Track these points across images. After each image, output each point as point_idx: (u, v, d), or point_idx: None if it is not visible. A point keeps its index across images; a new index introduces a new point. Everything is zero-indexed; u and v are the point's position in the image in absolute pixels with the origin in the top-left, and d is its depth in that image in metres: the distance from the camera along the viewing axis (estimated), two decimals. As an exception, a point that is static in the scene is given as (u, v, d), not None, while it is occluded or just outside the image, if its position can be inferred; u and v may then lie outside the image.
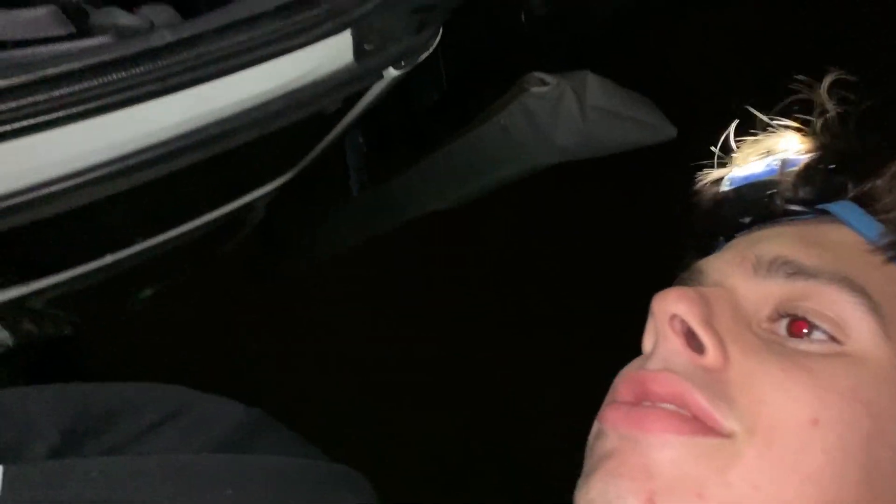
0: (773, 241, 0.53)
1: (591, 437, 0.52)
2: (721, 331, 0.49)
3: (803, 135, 0.57)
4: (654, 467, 0.46)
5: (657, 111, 1.13)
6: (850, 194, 0.54)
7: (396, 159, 1.48)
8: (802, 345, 0.48)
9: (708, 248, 0.60)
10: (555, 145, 1.12)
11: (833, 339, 0.47)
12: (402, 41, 1.00)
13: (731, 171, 0.59)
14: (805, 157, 0.56)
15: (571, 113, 1.09)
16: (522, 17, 1.13)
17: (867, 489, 0.45)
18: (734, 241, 0.58)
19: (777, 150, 0.58)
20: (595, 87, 1.10)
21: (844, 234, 0.53)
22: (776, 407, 0.46)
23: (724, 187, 0.59)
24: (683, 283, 0.55)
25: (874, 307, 0.48)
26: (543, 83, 1.10)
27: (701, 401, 0.47)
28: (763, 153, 0.59)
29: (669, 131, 1.13)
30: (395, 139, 1.51)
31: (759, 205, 0.57)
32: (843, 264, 0.50)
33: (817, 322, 0.48)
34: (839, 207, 0.54)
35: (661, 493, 0.45)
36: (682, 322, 0.49)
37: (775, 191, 0.56)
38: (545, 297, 1.73)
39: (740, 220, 0.58)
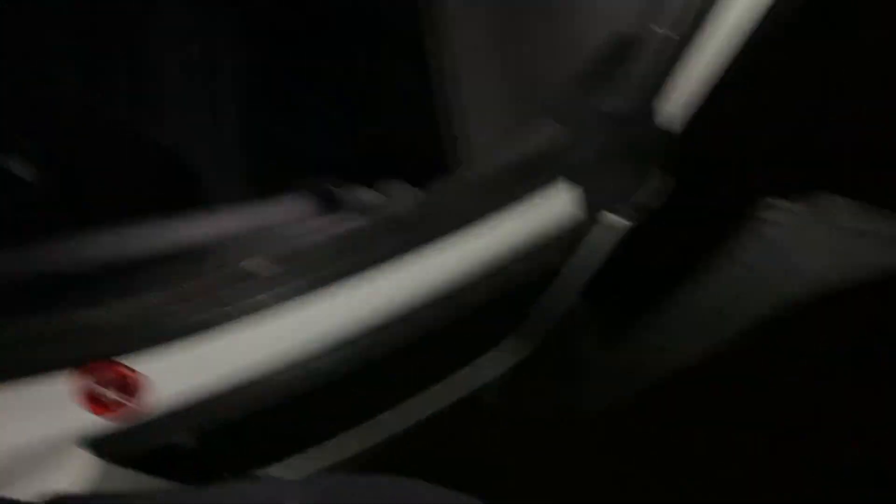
0: None
1: None
2: None
3: None
4: None
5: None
6: None
7: (628, 316, 1.43)
8: None
9: None
10: (804, 274, 1.04)
11: None
12: (628, 189, 1.01)
13: None
14: None
15: (817, 237, 1.01)
16: (751, 146, 1.10)
17: None
18: None
19: None
20: (839, 207, 1.02)
21: None
22: None
23: None
24: None
25: None
26: (780, 210, 1.04)
27: None
28: None
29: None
30: (626, 294, 1.48)
31: None
32: None
33: None
34: None
35: None
36: None
37: None
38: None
39: None
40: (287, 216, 0.91)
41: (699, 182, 1.01)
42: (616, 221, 1.04)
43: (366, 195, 0.92)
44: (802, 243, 1.03)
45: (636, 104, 0.90)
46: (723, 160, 1.09)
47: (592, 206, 1.00)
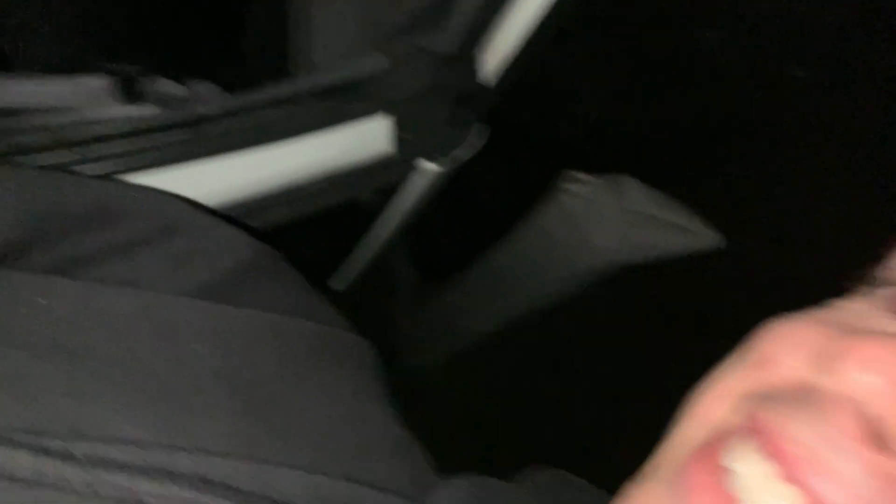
0: None
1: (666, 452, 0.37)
2: None
3: None
4: None
5: (698, 219, 1.10)
6: None
7: (439, 274, 1.46)
8: None
9: None
10: (594, 247, 1.10)
11: None
12: (443, 135, 1.02)
13: None
14: None
15: (610, 214, 1.07)
16: (567, 121, 1.15)
17: None
18: None
19: None
20: (635, 190, 1.08)
21: None
22: None
23: None
24: (884, 302, 0.36)
25: None
26: (580, 182, 1.10)
27: None
28: None
29: (714, 239, 1.09)
30: (445, 258, 1.50)
31: None
32: None
33: None
34: None
35: None
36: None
37: None
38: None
39: None
40: (85, 100, 0.86)
41: (508, 140, 1.04)
42: (430, 167, 1.05)
43: (172, 89, 0.88)
44: (596, 218, 1.09)
45: (458, 47, 0.92)
46: (536, 132, 1.13)
47: (408, 145, 1.01)
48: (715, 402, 0.35)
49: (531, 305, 1.33)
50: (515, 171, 1.23)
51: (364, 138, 0.97)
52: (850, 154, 1.04)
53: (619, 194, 1.08)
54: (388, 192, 1.11)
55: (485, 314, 1.43)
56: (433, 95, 0.96)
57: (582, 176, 1.11)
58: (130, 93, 0.87)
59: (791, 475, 0.29)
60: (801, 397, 0.31)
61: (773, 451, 0.30)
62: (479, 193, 1.27)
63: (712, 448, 0.33)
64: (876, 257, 0.38)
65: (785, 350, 0.34)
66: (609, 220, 1.07)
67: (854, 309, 0.36)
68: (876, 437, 0.28)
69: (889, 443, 0.28)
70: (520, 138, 1.14)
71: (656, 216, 1.08)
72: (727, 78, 1.01)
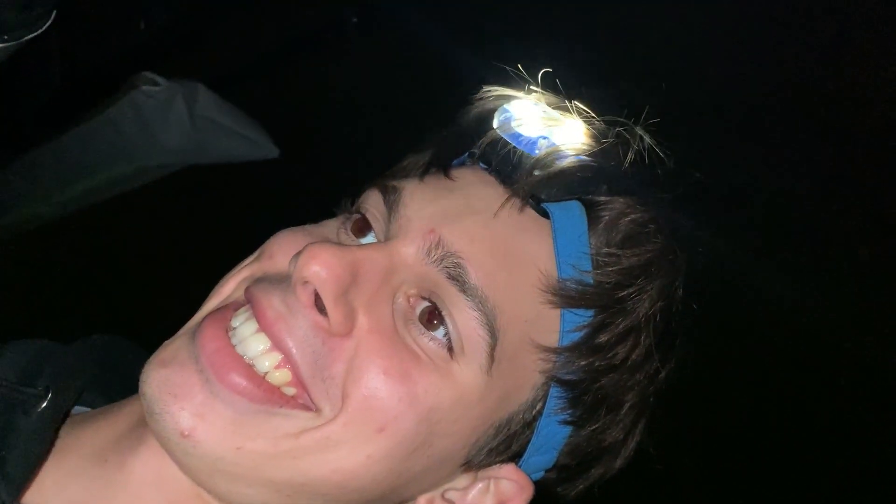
0: (469, 231, 0.50)
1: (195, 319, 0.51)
2: (359, 299, 0.47)
3: (589, 135, 0.53)
4: (210, 416, 0.45)
5: (262, 130, 1.24)
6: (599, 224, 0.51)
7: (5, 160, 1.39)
8: (424, 338, 0.48)
9: (439, 156, 0.55)
10: (163, 145, 1.17)
11: (450, 348, 0.48)
12: (7, 14, 0.99)
13: (512, 115, 0.54)
14: (574, 159, 0.52)
15: (180, 116, 1.15)
16: (141, 23, 1.19)
17: (390, 489, 0.49)
18: (446, 183, 0.53)
19: (557, 126, 0.53)
20: (205, 97, 1.18)
21: (540, 257, 0.50)
22: (368, 398, 0.46)
23: (497, 121, 0.54)
24: (382, 189, 0.52)
25: (494, 349, 0.48)
26: (155, 83, 1.15)
27: (302, 378, 0.47)
28: (546, 124, 0.53)
29: (272, 151, 1.25)
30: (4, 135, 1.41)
31: (503, 161, 0.52)
32: (507, 297, 0.49)
33: (449, 327, 0.48)
34: (566, 218, 0.51)
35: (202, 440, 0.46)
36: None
37: (531, 169, 0.51)
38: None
39: (474, 150, 0.54)
40: None
41: (91, 45, 1.05)
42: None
43: None
44: (165, 118, 1.16)
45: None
46: (112, 31, 1.15)
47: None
48: (230, 283, 0.51)
49: (98, 194, 1.35)
50: (82, 62, 1.21)
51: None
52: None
53: (191, 99, 1.17)
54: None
55: (48, 199, 1.40)
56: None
57: (157, 77, 1.16)
58: None
59: (266, 328, 0.46)
60: (281, 280, 0.48)
61: (257, 314, 0.46)
62: (42, 78, 1.23)
63: (223, 312, 0.48)
64: (357, 192, 0.56)
65: (280, 249, 0.51)
66: (178, 124, 1.15)
67: (331, 225, 0.54)
68: (317, 304, 0.46)
69: (323, 309, 0.46)
70: (91, 33, 1.14)
71: (222, 124, 1.19)
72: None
